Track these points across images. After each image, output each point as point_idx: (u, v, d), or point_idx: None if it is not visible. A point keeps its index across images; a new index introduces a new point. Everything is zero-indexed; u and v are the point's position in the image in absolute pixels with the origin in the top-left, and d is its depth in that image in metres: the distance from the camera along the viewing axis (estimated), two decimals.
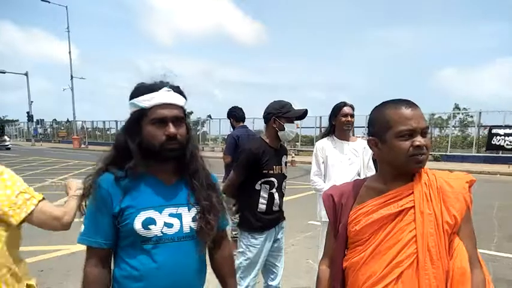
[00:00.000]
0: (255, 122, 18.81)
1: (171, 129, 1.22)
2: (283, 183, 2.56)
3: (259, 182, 2.44)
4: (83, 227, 1.23)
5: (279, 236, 2.60)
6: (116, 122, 31.41)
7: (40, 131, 28.40)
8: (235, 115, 4.62)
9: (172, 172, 1.30)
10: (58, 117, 39.39)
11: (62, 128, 37.79)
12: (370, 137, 1.26)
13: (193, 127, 26.50)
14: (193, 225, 1.28)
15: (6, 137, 28.30)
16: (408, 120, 1.15)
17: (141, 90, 1.24)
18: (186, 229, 1.27)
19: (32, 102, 30.82)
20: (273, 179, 2.45)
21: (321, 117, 20.38)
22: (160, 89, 1.23)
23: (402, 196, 1.19)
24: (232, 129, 4.67)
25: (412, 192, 1.18)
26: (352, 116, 2.89)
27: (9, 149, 26.86)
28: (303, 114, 2.51)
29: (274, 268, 2.63)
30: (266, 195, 2.45)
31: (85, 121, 33.04)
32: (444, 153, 17.23)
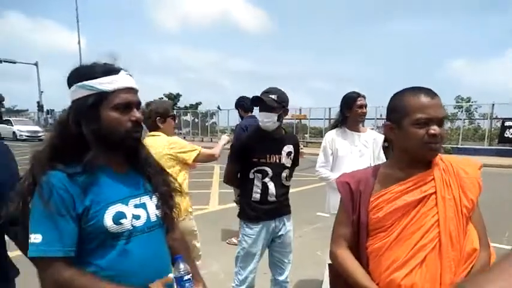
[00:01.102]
0: None
1: (138, 114, 1.18)
2: (283, 174, 2.46)
3: (252, 171, 2.41)
4: (37, 237, 1.03)
5: (282, 232, 2.52)
6: None
7: (50, 120, 28.39)
8: (244, 105, 4.55)
9: (122, 161, 1.23)
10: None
11: None
12: (387, 122, 1.28)
13: (202, 118, 26.76)
14: (158, 212, 1.25)
15: (38, 127, 25.25)
16: (426, 109, 1.17)
17: (96, 71, 1.12)
18: (153, 218, 1.23)
19: (42, 92, 31.12)
20: (265, 167, 2.39)
21: (330, 109, 20.21)
22: (119, 72, 1.15)
23: (424, 182, 1.23)
24: (240, 120, 4.63)
25: (433, 179, 1.23)
26: (366, 106, 2.84)
27: (41, 140, 24.94)
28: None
29: (282, 264, 2.59)
30: (260, 184, 2.41)
31: None
32: (455, 146, 17.00)
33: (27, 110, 42.38)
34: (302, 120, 22.00)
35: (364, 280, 1.26)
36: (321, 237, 4.64)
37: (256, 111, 3.36)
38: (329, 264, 1.46)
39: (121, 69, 1.16)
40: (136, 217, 1.18)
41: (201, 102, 36.04)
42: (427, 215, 1.21)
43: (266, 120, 2.37)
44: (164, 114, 2.71)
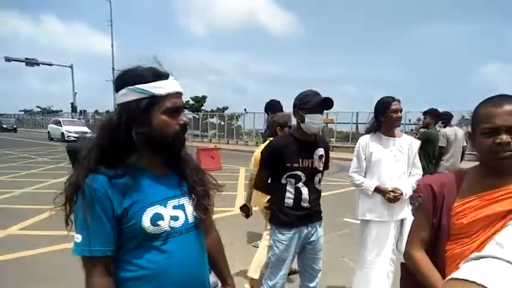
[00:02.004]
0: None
1: (184, 117, 1.21)
2: (316, 178, 2.45)
3: (285, 176, 2.38)
4: (78, 237, 1.10)
5: (313, 238, 2.50)
6: None
7: (82, 121, 29.26)
8: (272, 108, 4.57)
9: (162, 162, 1.24)
10: (99, 108, 40.98)
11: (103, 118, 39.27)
12: (470, 131, 1.31)
13: (228, 121, 26.96)
14: (196, 214, 1.26)
15: (86, 128, 24.71)
16: (492, 118, 1.18)
17: (147, 75, 1.14)
18: (191, 219, 1.25)
19: (76, 93, 32.29)
20: (298, 172, 2.37)
21: (357, 113, 19.89)
22: (168, 76, 1.18)
23: None
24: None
25: None
26: (401, 111, 2.78)
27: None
28: (324, 103, 2.30)
29: (312, 271, 2.56)
30: (292, 190, 2.38)
31: None
32: None
33: (61, 110, 44.08)
34: (328, 124, 21.78)
35: (440, 284, 1.24)
36: (348, 244, 4.58)
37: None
38: (401, 263, 1.48)
39: (169, 74, 1.19)
40: (175, 218, 1.20)
41: (227, 107, 36.37)
42: None
43: (319, 122, 2.35)
44: (283, 124, 3.28)
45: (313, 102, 2.31)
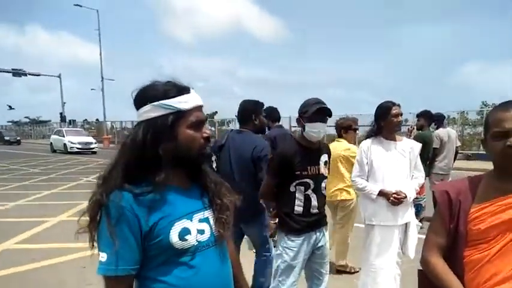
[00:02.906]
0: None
1: (208, 130, 1.20)
2: (323, 184, 2.48)
3: (294, 184, 2.39)
4: (103, 255, 1.07)
5: (321, 243, 2.52)
6: None
7: (85, 132, 28.02)
8: (271, 115, 4.60)
9: (186, 176, 1.23)
10: (88, 118, 40.52)
11: (93, 128, 38.91)
12: (482, 137, 1.34)
13: (219, 127, 26.93)
14: (219, 227, 1.23)
15: (90, 138, 23.07)
16: (502, 122, 1.21)
17: (170, 91, 1.13)
18: (216, 232, 1.23)
19: (64, 103, 31.96)
20: (307, 180, 2.39)
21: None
22: (189, 90, 1.17)
23: None
24: (268, 130, 4.66)
25: None
26: (401, 115, 2.82)
27: (95, 153, 21.32)
28: (320, 112, 2.34)
29: (320, 275, 2.58)
30: (302, 197, 2.40)
31: (114, 121, 34.06)
32: (476, 152, 16.62)
33: (50, 120, 43.50)
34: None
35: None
36: (350, 248, 4.59)
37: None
38: (419, 270, 1.48)
39: (189, 87, 1.18)
40: (201, 232, 1.18)
41: (216, 112, 36.40)
42: None
43: (319, 131, 2.38)
44: (346, 127, 4.01)
45: (310, 112, 2.35)
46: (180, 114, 1.13)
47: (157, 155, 1.11)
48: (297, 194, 2.40)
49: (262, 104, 3.31)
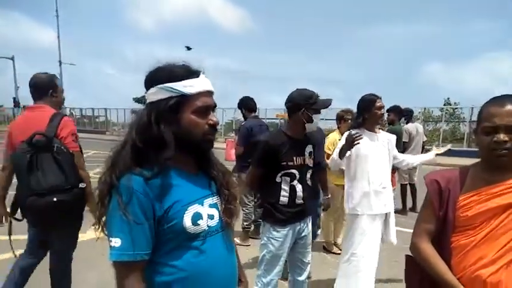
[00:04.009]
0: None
1: (215, 118, 1.18)
2: (308, 174, 2.49)
3: (279, 175, 2.38)
4: (116, 241, 1.04)
5: (305, 233, 2.55)
6: (105, 109, 30.95)
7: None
8: (247, 105, 4.54)
9: (194, 162, 1.23)
10: None
11: None
12: (474, 129, 1.40)
13: None
14: (227, 216, 1.25)
15: None
16: (492, 117, 1.28)
17: (178, 74, 1.11)
18: (223, 218, 1.24)
19: (18, 87, 30.08)
20: (293, 170, 2.39)
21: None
22: (199, 74, 1.14)
23: None
24: (243, 120, 4.60)
25: None
26: (384, 108, 2.91)
27: None
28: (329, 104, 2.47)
29: (302, 264, 2.60)
30: (287, 188, 2.40)
31: (74, 108, 32.52)
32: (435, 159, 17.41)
33: (2, 105, 40.86)
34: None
35: (447, 273, 1.35)
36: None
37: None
38: (406, 256, 1.57)
39: (200, 71, 1.15)
40: (211, 217, 1.18)
41: None
42: None
43: (318, 121, 2.45)
44: (340, 118, 4.20)
45: (321, 103, 2.42)
46: (184, 98, 1.11)
47: (162, 137, 1.09)
48: (282, 185, 2.40)
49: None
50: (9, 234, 2.44)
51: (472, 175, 1.41)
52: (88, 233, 3.15)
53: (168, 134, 1.10)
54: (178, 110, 1.11)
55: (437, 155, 3.13)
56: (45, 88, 2.49)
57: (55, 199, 2.19)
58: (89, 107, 33.16)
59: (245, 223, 4.50)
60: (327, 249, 4.39)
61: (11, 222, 2.48)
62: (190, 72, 1.13)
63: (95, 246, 1.80)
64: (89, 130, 29.21)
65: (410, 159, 3.18)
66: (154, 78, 1.12)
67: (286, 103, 2.46)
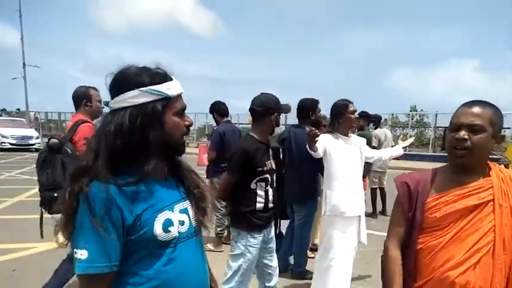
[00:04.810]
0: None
1: (190, 119, 1.18)
2: (274, 177, 2.50)
3: (255, 181, 2.36)
4: (82, 252, 0.98)
5: (271, 236, 2.53)
6: (72, 113, 29.86)
7: (25, 121, 22.62)
8: (219, 110, 4.51)
9: (163, 166, 1.18)
10: (7, 107, 36.35)
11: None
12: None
13: None
14: (196, 217, 1.22)
15: (33, 131, 17.57)
16: (458, 116, 1.34)
17: (160, 76, 1.10)
18: (194, 223, 1.21)
19: None
20: (267, 175, 2.40)
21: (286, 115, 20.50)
22: (172, 77, 1.14)
23: (483, 189, 1.33)
24: (216, 125, 4.57)
25: (492, 186, 1.33)
26: (356, 112, 2.99)
27: (38, 150, 13.10)
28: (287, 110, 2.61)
29: (270, 269, 2.56)
30: (263, 193, 2.38)
31: (38, 112, 31.23)
32: (404, 152, 17.95)
33: None
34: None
35: None
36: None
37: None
38: (382, 256, 1.58)
39: (170, 74, 1.15)
40: (181, 223, 1.15)
41: None
42: (483, 220, 1.31)
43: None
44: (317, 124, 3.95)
45: (285, 108, 2.52)
46: (167, 101, 1.10)
47: (145, 142, 1.07)
48: (257, 191, 2.38)
49: (317, 101, 3.75)
50: (41, 222, 2.64)
51: (441, 177, 1.43)
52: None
53: (155, 140, 1.08)
54: (163, 112, 1.09)
55: (403, 147, 3.41)
56: (79, 100, 2.95)
57: (55, 194, 2.44)
58: (55, 111, 31.94)
59: (218, 229, 4.44)
60: None
61: (42, 212, 2.69)
62: (166, 75, 1.12)
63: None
64: (55, 135, 28.11)
65: (382, 154, 3.36)
66: (133, 81, 1.08)
67: (255, 107, 2.41)
